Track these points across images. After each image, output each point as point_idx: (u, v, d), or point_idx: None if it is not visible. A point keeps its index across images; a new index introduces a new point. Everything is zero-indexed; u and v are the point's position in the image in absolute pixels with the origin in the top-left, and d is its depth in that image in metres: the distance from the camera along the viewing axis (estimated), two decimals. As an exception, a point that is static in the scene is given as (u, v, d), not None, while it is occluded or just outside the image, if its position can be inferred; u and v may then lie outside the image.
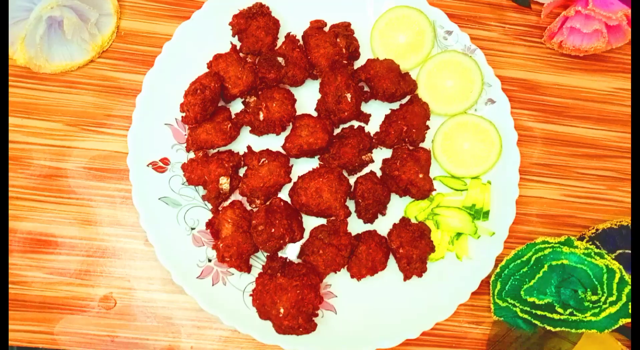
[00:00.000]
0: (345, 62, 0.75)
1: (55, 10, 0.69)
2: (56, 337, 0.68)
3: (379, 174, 0.75)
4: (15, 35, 0.71)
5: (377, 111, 0.77)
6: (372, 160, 0.74)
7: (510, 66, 0.84)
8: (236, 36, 0.75)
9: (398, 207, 0.75)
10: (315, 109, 0.76)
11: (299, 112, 0.74)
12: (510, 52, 0.85)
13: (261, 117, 0.71)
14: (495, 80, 0.77)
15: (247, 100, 0.73)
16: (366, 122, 0.77)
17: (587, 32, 0.78)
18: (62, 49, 0.74)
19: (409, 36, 0.78)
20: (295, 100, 0.73)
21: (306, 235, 0.71)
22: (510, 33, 0.85)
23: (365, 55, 0.78)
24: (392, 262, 0.72)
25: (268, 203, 0.69)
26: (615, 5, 0.75)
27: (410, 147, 0.75)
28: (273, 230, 0.66)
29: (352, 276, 0.70)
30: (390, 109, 0.76)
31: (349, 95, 0.72)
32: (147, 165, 0.70)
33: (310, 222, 0.72)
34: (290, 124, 0.73)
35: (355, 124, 0.77)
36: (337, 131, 0.76)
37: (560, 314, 0.67)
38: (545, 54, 0.85)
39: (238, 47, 0.75)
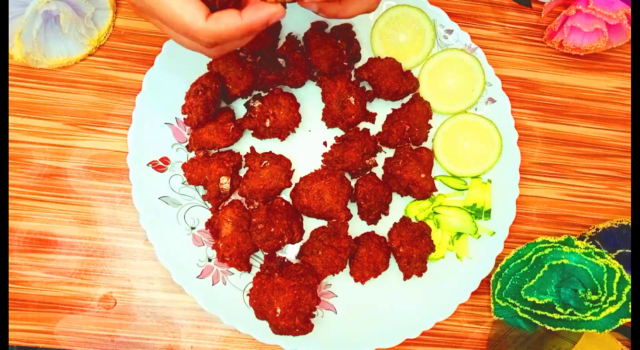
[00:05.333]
0: (345, 63, 0.75)
1: (51, 4, 0.69)
2: (56, 337, 0.68)
3: (379, 174, 0.75)
4: (11, 31, 0.71)
5: (379, 111, 0.77)
6: (375, 164, 0.74)
7: (511, 65, 0.84)
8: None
9: (399, 207, 0.75)
10: (321, 119, 0.76)
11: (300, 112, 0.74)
12: (511, 51, 0.84)
13: (267, 124, 0.71)
14: (495, 79, 0.77)
15: (251, 104, 0.72)
16: (373, 121, 0.77)
17: (587, 31, 0.77)
18: (59, 43, 0.73)
19: (409, 35, 0.78)
20: (299, 105, 0.73)
21: (306, 236, 0.71)
22: (510, 32, 0.85)
23: (365, 55, 0.78)
24: (392, 262, 0.72)
25: (270, 203, 0.69)
26: (615, 4, 0.75)
27: (413, 147, 0.75)
28: (272, 229, 0.66)
29: (355, 281, 0.70)
30: (392, 109, 0.76)
31: (352, 99, 0.72)
32: (147, 165, 0.70)
33: (311, 224, 0.72)
34: (295, 130, 0.73)
35: (361, 125, 0.77)
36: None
37: (561, 314, 0.67)
38: (545, 53, 0.85)
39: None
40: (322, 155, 0.74)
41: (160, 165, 0.71)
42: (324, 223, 0.72)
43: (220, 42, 0.50)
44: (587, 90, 0.85)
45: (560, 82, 0.85)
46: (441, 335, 0.73)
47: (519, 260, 0.71)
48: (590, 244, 0.71)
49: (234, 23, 0.48)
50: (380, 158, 0.76)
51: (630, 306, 0.66)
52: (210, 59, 0.72)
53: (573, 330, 0.68)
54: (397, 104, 0.78)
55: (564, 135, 0.83)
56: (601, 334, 0.68)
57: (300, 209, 0.70)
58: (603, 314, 0.67)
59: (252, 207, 0.70)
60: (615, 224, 0.75)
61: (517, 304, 0.70)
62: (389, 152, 0.77)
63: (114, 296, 0.70)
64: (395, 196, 0.75)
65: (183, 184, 0.71)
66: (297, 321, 0.63)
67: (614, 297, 0.67)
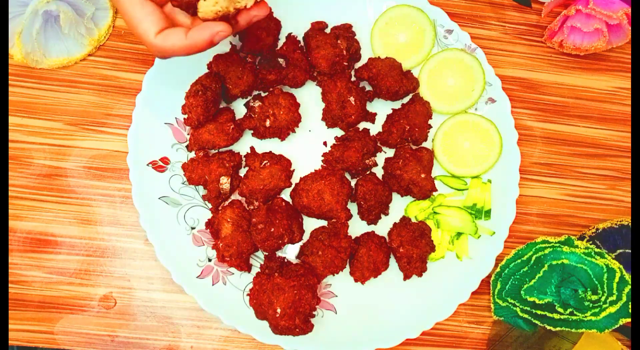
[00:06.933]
0: (345, 63, 0.75)
1: (51, 4, 0.69)
2: (56, 337, 0.68)
3: (379, 174, 0.75)
4: (11, 31, 0.71)
5: (379, 111, 0.77)
6: (375, 164, 0.74)
7: (511, 65, 0.84)
8: (237, 36, 0.75)
9: (399, 207, 0.75)
10: (321, 119, 0.76)
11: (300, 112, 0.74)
12: (511, 51, 0.84)
13: (267, 124, 0.71)
14: (495, 79, 0.77)
15: (251, 104, 0.72)
16: (373, 121, 0.77)
17: (587, 31, 0.77)
18: (58, 43, 0.73)
19: (409, 35, 0.78)
20: (299, 105, 0.73)
21: (306, 236, 0.71)
22: (510, 32, 0.85)
23: (365, 55, 0.78)
24: (392, 262, 0.72)
25: (270, 203, 0.69)
26: (615, 4, 0.75)
27: (413, 146, 0.75)
28: (272, 229, 0.66)
29: (355, 281, 0.70)
30: (392, 109, 0.76)
31: (352, 99, 0.72)
32: (147, 165, 0.70)
33: (311, 224, 0.72)
34: (295, 130, 0.73)
35: (361, 125, 0.77)
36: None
37: (561, 314, 0.67)
38: (545, 53, 0.85)
39: (238, 47, 0.75)
40: (322, 155, 0.74)
41: (160, 165, 0.71)
42: (324, 223, 0.72)
43: (166, 56, 0.54)
44: (587, 90, 0.85)
45: (560, 82, 0.85)
46: (441, 335, 0.73)
47: (519, 260, 0.71)
48: (590, 244, 0.71)
49: (179, 42, 0.52)
50: (380, 158, 0.76)
51: (630, 306, 0.66)
52: (210, 59, 0.72)
53: (573, 330, 0.68)
54: (397, 104, 0.78)
55: (564, 135, 0.83)
56: (601, 334, 0.68)
57: (300, 209, 0.70)
58: (603, 314, 0.67)
59: (252, 207, 0.70)
60: (615, 224, 0.75)
61: (517, 304, 0.70)
62: (389, 152, 0.77)
63: (114, 296, 0.70)
64: (395, 196, 0.75)
65: (183, 184, 0.71)
66: (297, 321, 0.63)
67: (614, 297, 0.67)
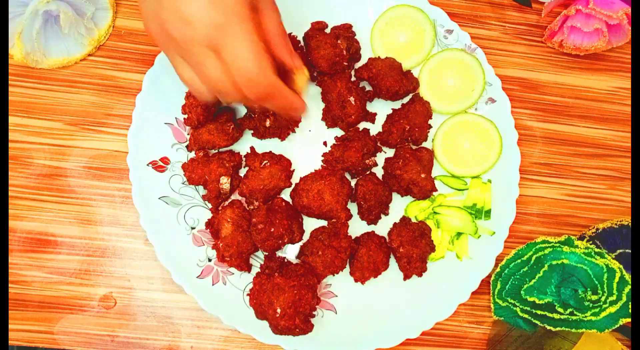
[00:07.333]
0: (345, 63, 0.75)
1: (51, 4, 0.69)
2: (56, 337, 0.68)
3: (379, 174, 0.75)
4: (11, 31, 0.71)
5: (379, 111, 0.77)
6: (375, 164, 0.74)
7: (511, 65, 0.84)
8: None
9: (399, 207, 0.75)
10: (321, 119, 0.76)
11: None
12: (511, 51, 0.84)
13: (267, 124, 0.71)
14: (495, 79, 0.77)
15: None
16: (373, 121, 0.77)
17: (587, 31, 0.77)
18: (58, 43, 0.73)
19: (409, 35, 0.78)
20: None
21: (306, 236, 0.71)
22: (510, 32, 0.85)
23: (365, 55, 0.78)
24: (392, 262, 0.72)
25: (270, 203, 0.69)
26: (615, 4, 0.75)
27: (413, 146, 0.75)
28: (272, 229, 0.66)
29: (355, 281, 0.70)
30: (392, 109, 0.77)
31: (352, 99, 0.72)
32: (147, 165, 0.70)
33: (311, 224, 0.72)
34: (295, 130, 0.73)
35: (361, 125, 0.77)
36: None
37: (561, 314, 0.67)
38: (545, 53, 0.85)
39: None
40: (322, 155, 0.74)
41: (160, 165, 0.71)
42: (324, 223, 0.72)
43: (266, 96, 0.55)
44: (587, 90, 0.85)
45: (560, 82, 0.85)
46: (441, 335, 0.73)
47: (519, 260, 0.71)
48: (590, 244, 0.71)
49: (286, 92, 0.57)
50: (380, 158, 0.76)
51: (630, 306, 0.66)
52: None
53: (573, 330, 0.68)
54: (397, 104, 0.78)
55: (564, 135, 0.83)
56: (601, 334, 0.68)
57: (300, 209, 0.70)
58: (603, 314, 0.67)
59: (252, 207, 0.70)
60: (615, 224, 0.75)
61: (517, 304, 0.70)
62: (389, 152, 0.77)
63: (114, 296, 0.70)
64: (395, 196, 0.75)
65: (183, 184, 0.71)
66: (297, 321, 0.63)
67: (614, 297, 0.67)
